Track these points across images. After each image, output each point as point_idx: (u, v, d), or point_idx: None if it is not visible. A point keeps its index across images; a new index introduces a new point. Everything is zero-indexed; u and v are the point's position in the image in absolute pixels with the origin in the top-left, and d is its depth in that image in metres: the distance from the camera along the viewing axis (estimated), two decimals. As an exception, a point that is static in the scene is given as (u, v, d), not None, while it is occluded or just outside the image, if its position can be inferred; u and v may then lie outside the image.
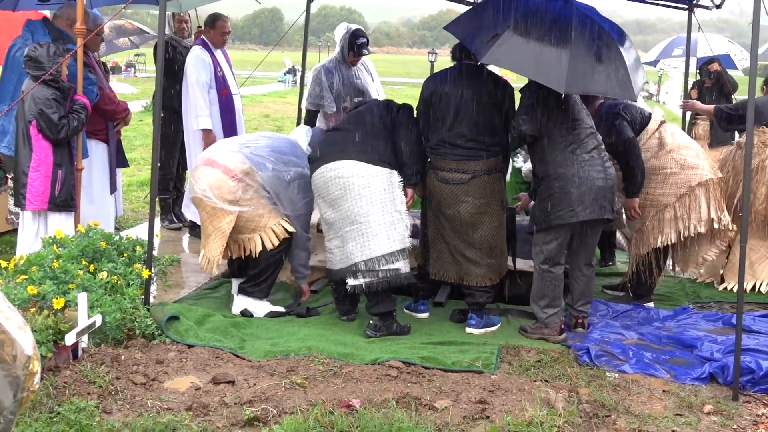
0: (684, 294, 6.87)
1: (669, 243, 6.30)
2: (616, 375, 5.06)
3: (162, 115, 8.08)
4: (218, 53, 7.80)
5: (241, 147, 5.88)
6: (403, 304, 6.15)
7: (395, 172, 5.56)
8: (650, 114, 6.49)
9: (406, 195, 5.61)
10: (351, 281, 5.53)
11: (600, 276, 7.34)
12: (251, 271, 5.93)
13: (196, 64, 7.58)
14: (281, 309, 5.98)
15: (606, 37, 5.38)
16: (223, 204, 5.65)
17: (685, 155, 6.29)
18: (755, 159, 6.80)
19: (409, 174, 5.63)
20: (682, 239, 6.29)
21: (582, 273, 5.81)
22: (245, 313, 5.84)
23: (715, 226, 6.24)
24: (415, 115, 5.83)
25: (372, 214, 5.43)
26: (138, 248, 5.56)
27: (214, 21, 7.76)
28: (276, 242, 5.77)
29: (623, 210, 6.43)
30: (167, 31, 8.17)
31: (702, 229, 6.21)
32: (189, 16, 8.39)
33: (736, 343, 4.85)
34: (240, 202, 5.69)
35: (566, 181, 5.47)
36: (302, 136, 6.16)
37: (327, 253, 5.74)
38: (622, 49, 5.36)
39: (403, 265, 5.53)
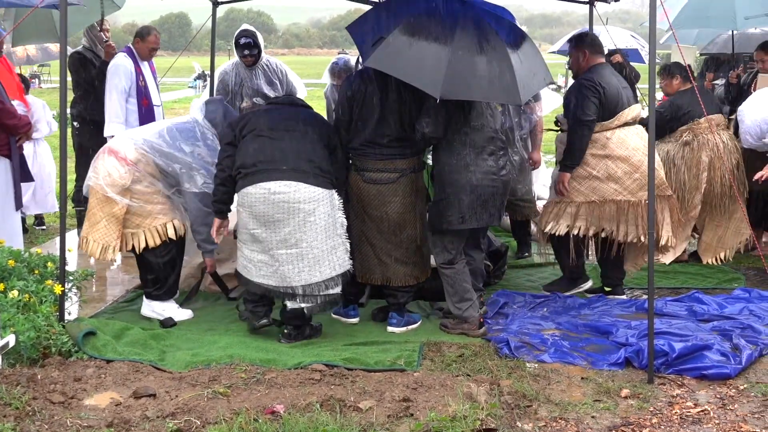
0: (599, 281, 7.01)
1: (556, 233, 6.37)
2: (536, 365, 5.16)
3: (77, 125, 7.95)
4: (144, 64, 7.70)
5: (138, 133, 5.89)
6: (332, 309, 6.08)
7: (335, 192, 5.44)
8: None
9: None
10: (290, 304, 5.46)
11: (517, 269, 7.47)
12: (147, 275, 5.91)
13: (117, 70, 7.48)
14: (189, 313, 5.99)
15: (494, 39, 5.36)
16: (113, 193, 5.64)
17: (617, 168, 6.16)
18: (707, 153, 7.28)
19: (340, 182, 5.61)
20: (576, 235, 6.34)
21: (470, 256, 5.92)
22: (166, 324, 5.76)
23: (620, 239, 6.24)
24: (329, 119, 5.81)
25: (315, 240, 5.32)
26: (50, 264, 5.44)
27: (146, 35, 7.67)
28: (157, 242, 5.75)
29: (550, 187, 6.59)
30: (84, 41, 8.02)
31: (589, 233, 6.29)
32: (108, 25, 8.21)
33: (648, 327, 4.99)
34: (131, 191, 5.68)
35: (459, 188, 5.56)
36: (197, 111, 6.02)
37: (243, 260, 5.52)
38: (511, 53, 5.34)
39: (340, 289, 5.50)
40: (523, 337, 5.54)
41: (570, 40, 6.50)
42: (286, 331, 5.55)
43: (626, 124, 6.25)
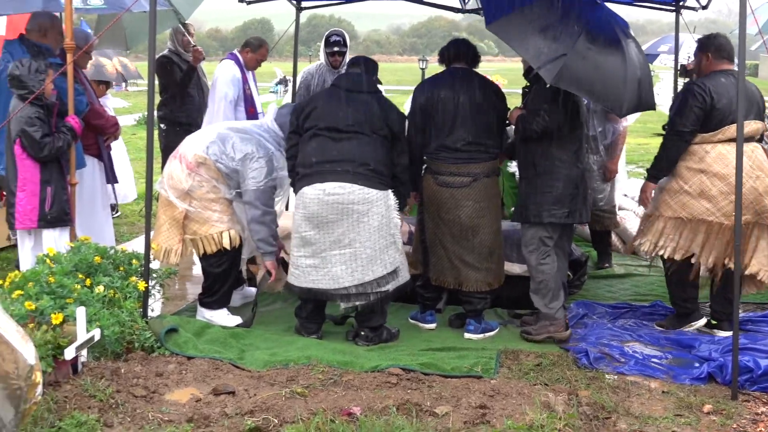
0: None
1: (645, 250, 5.99)
2: (615, 377, 5.07)
3: (164, 127, 8.11)
4: (249, 73, 7.71)
5: (205, 136, 5.90)
6: (409, 314, 6.13)
7: (391, 193, 5.46)
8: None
9: (405, 203, 5.62)
10: (343, 304, 5.52)
11: (597, 279, 7.37)
12: (203, 282, 5.96)
13: (227, 79, 7.46)
14: (238, 320, 5.96)
15: (621, 44, 5.40)
16: (173, 197, 5.73)
17: (711, 186, 5.60)
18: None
19: (405, 183, 5.62)
20: (657, 255, 5.90)
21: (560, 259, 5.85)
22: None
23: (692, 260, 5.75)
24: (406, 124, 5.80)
25: (368, 240, 5.37)
26: (134, 261, 5.55)
27: (259, 46, 7.63)
28: (212, 250, 5.77)
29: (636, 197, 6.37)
30: (170, 44, 8.18)
31: (677, 257, 5.77)
32: (193, 29, 8.38)
33: (733, 342, 4.87)
34: (191, 196, 5.74)
35: (569, 182, 5.57)
36: (269, 115, 6.07)
37: (292, 267, 5.56)
38: (631, 62, 5.39)
39: (392, 286, 5.50)
40: (603, 348, 5.46)
41: (697, 41, 6.03)
42: (363, 333, 5.57)
43: (734, 139, 5.34)
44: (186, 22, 8.00)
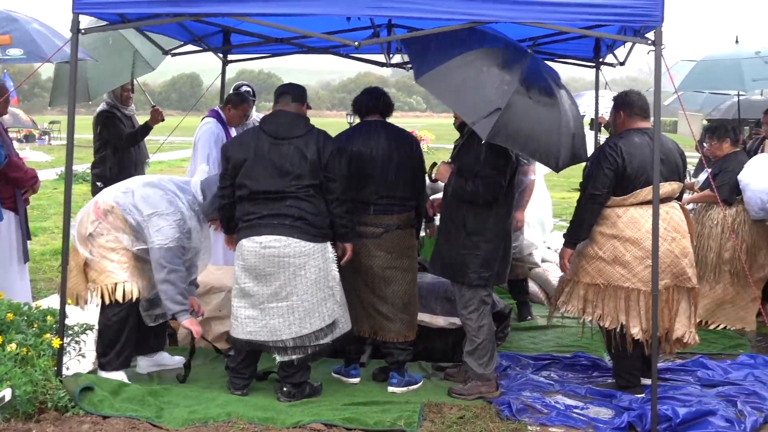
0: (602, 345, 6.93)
1: (573, 315, 5.91)
2: (538, 428, 5.09)
3: (101, 185, 7.82)
4: (231, 130, 7.53)
5: (122, 185, 5.77)
6: (332, 368, 6.05)
7: (329, 244, 5.43)
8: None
9: (344, 251, 5.56)
10: (279, 357, 5.44)
11: (520, 331, 7.40)
12: (98, 343, 5.69)
13: (209, 138, 7.32)
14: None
15: (555, 98, 5.40)
16: (77, 242, 5.58)
17: (625, 251, 5.50)
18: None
19: (344, 232, 5.52)
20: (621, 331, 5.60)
21: None
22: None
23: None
24: None
25: (305, 293, 5.34)
26: (49, 318, 5.41)
27: (240, 102, 7.53)
28: (107, 301, 5.53)
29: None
30: (107, 98, 7.98)
31: (606, 324, 5.62)
32: (132, 85, 8.20)
33: (652, 392, 4.93)
34: (92, 244, 5.57)
35: (506, 237, 5.64)
36: (197, 176, 5.92)
37: (232, 319, 5.51)
38: (565, 117, 5.38)
39: (330, 338, 5.46)
40: (526, 399, 5.48)
41: (613, 99, 5.93)
42: (285, 389, 5.48)
43: (646, 202, 5.44)
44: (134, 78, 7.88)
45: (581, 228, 5.66)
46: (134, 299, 5.58)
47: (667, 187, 5.56)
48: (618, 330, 5.57)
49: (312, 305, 5.36)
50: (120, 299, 5.52)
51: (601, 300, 5.64)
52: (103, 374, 5.60)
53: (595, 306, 5.66)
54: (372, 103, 5.92)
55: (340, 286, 5.49)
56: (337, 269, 5.47)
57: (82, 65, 7.11)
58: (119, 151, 7.85)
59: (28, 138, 34.93)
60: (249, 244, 5.36)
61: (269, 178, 5.37)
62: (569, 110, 5.42)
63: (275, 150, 5.39)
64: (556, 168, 5.24)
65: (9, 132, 7.96)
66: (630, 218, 5.49)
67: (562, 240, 5.81)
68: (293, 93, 5.62)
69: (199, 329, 5.66)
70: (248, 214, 5.41)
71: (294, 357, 5.41)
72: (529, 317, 7.77)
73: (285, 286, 5.33)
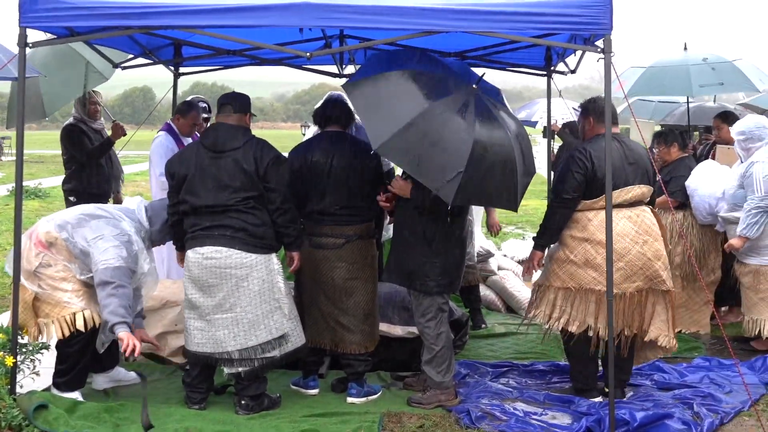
0: (560, 351, 6.98)
1: (540, 322, 5.87)
2: (497, 435, 5.10)
3: (73, 200, 7.72)
4: (186, 140, 7.41)
5: (60, 215, 5.59)
6: (291, 380, 6.02)
7: (274, 256, 5.41)
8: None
9: (292, 260, 5.56)
10: (227, 369, 5.42)
11: (477, 338, 7.41)
12: (56, 363, 5.57)
13: (160, 151, 7.21)
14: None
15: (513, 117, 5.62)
16: (23, 279, 5.36)
17: (596, 254, 5.49)
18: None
19: (290, 241, 5.50)
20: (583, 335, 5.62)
21: None
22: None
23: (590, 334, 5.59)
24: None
25: (249, 305, 5.31)
26: (1, 336, 5.32)
27: (187, 111, 7.43)
28: (66, 333, 5.35)
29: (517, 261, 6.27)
30: (75, 112, 7.88)
31: (573, 329, 5.63)
32: (101, 98, 8.10)
33: (609, 396, 4.98)
34: (39, 277, 5.38)
35: (455, 250, 5.64)
36: (136, 204, 5.77)
37: (184, 331, 5.51)
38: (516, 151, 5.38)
39: (279, 352, 5.43)
40: (485, 407, 5.50)
41: (580, 105, 6.00)
42: (243, 402, 5.45)
43: (617, 205, 5.45)
44: (94, 90, 7.80)
45: (552, 231, 5.70)
46: (97, 325, 5.42)
47: (637, 191, 5.60)
48: (583, 333, 5.59)
49: (257, 317, 5.33)
50: (82, 328, 5.35)
51: (570, 304, 5.64)
52: (58, 393, 5.49)
53: (563, 310, 5.67)
54: (333, 113, 5.90)
55: (288, 299, 5.47)
56: (285, 281, 5.46)
57: (34, 81, 7.03)
58: (85, 166, 7.79)
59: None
60: (192, 255, 5.37)
61: (210, 192, 5.35)
62: (516, 135, 5.39)
63: (214, 164, 5.37)
64: (516, 208, 5.37)
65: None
66: (600, 221, 5.44)
67: (531, 244, 5.88)
68: (234, 103, 5.58)
69: (135, 343, 5.12)
70: (192, 227, 5.41)
71: (240, 369, 5.39)
72: (483, 325, 7.76)
73: (228, 298, 5.31)
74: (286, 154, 5.75)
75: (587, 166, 5.51)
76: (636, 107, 12.62)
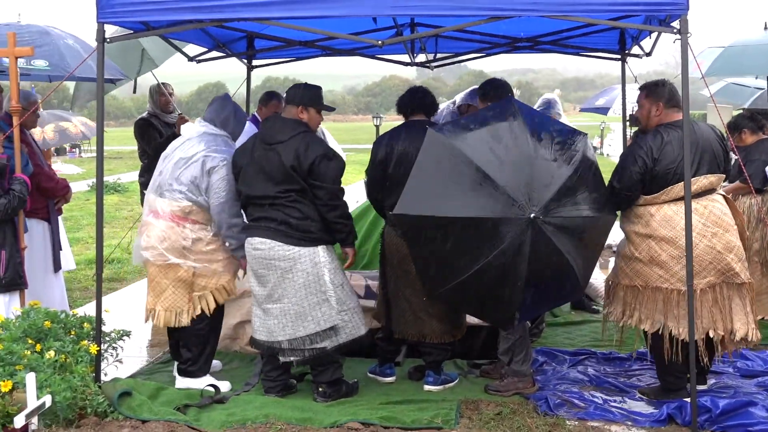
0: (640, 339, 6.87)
1: (614, 319, 5.64)
2: (576, 422, 5.06)
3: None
4: None
5: (159, 186, 5.68)
6: (367, 368, 6.05)
7: (320, 248, 5.39)
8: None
9: (347, 256, 5.59)
10: (281, 357, 5.49)
11: (554, 326, 7.36)
12: (185, 352, 5.76)
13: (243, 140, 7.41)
14: (217, 384, 5.72)
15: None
16: (175, 258, 5.55)
17: (661, 251, 5.24)
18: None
19: (342, 237, 5.50)
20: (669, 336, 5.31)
21: None
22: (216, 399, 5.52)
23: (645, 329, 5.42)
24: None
25: (294, 297, 5.36)
26: (86, 324, 5.45)
27: (268, 99, 7.48)
28: (222, 300, 5.72)
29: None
30: (149, 106, 8.04)
31: (646, 327, 5.40)
32: (173, 89, 8.23)
33: (691, 383, 4.89)
34: (192, 252, 5.59)
35: None
36: (198, 126, 5.89)
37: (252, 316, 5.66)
38: None
39: (329, 343, 5.44)
40: (563, 394, 5.45)
41: (641, 88, 5.56)
42: (321, 389, 5.50)
43: (679, 198, 5.13)
44: (163, 82, 7.92)
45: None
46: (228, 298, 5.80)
47: (704, 181, 5.24)
48: (659, 332, 5.35)
49: (303, 309, 5.37)
50: (235, 294, 5.81)
51: (639, 302, 5.41)
52: (190, 381, 5.71)
53: (633, 309, 5.45)
54: (418, 102, 5.88)
55: (339, 290, 5.44)
56: (339, 273, 5.47)
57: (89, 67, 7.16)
58: (155, 159, 7.90)
59: (59, 151, 35.27)
60: (246, 245, 5.51)
61: (258, 183, 5.43)
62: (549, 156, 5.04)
63: (264, 156, 5.44)
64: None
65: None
66: (663, 216, 5.23)
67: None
68: (288, 95, 5.65)
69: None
70: (248, 217, 5.57)
71: (291, 359, 5.46)
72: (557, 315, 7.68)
73: (276, 288, 5.40)
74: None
75: (647, 163, 5.22)
76: (729, 92, 12.34)
